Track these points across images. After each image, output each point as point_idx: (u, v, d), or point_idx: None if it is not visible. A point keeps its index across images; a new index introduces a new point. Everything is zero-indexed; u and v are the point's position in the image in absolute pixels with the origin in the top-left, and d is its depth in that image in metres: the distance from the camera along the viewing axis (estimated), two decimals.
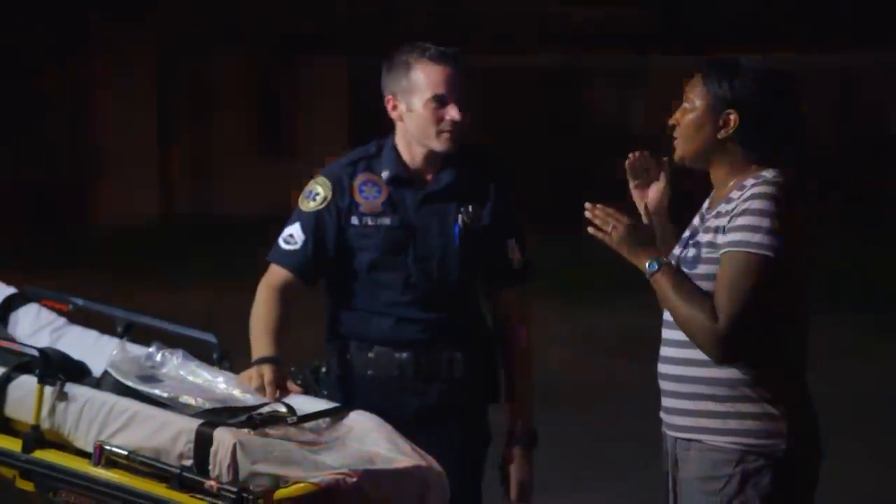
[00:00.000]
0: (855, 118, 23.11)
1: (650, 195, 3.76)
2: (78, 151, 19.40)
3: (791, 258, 3.46)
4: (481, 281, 4.25)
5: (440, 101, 4.11)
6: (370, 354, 4.16)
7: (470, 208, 4.18)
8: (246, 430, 3.60)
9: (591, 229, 3.57)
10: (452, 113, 4.10)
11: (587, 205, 3.63)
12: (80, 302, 4.51)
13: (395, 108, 4.16)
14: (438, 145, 4.14)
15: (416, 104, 4.12)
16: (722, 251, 3.47)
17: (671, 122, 3.64)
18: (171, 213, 19.85)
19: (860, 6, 22.36)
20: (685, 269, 3.55)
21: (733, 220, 3.48)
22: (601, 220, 3.56)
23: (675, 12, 24.61)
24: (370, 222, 4.16)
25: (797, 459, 3.52)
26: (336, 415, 3.82)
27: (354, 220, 4.16)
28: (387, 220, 4.16)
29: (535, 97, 24.36)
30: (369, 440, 3.72)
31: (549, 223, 17.51)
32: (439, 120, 4.11)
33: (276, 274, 4.20)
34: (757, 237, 3.44)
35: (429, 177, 4.20)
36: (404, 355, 4.15)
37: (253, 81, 21.33)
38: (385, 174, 4.18)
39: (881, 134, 22.29)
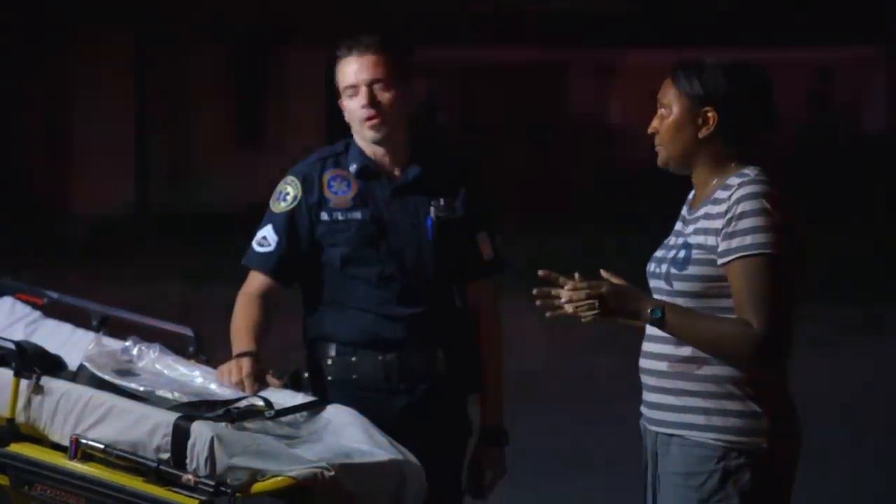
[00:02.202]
0: (830, 114, 23.20)
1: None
2: (55, 143, 19.34)
3: (792, 253, 3.49)
4: (454, 274, 4.24)
5: (353, 92, 4.11)
6: (353, 359, 4.14)
7: (441, 201, 4.18)
8: (223, 424, 3.58)
9: (583, 316, 3.50)
10: (361, 101, 4.09)
11: (550, 294, 3.54)
12: (54, 295, 4.48)
13: (343, 111, 4.19)
14: (366, 135, 4.13)
15: (344, 101, 4.15)
16: (731, 258, 3.48)
17: (650, 130, 3.65)
18: (148, 205, 19.81)
19: (836, 3, 22.42)
20: (675, 271, 3.55)
21: (733, 225, 3.49)
22: (576, 303, 3.49)
23: (657, 7, 24.65)
24: (341, 217, 4.15)
25: (777, 458, 3.53)
26: (313, 409, 3.81)
27: (325, 216, 4.15)
28: (358, 215, 4.15)
29: (514, 90, 24.35)
30: (346, 434, 3.71)
31: (528, 216, 17.54)
32: (355, 111, 4.12)
33: (252, 279, 4.19)
34: (763, 237, 3.46)
35: (396, 171, 4.19)
36: (388, 357, 4.13)
37: (230, 73, 21.29)
38: (353, 168, 4.17)
39: (855, 130, 22.38)
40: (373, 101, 4.08)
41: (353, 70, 4.11)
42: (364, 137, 4.15)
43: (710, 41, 20.15)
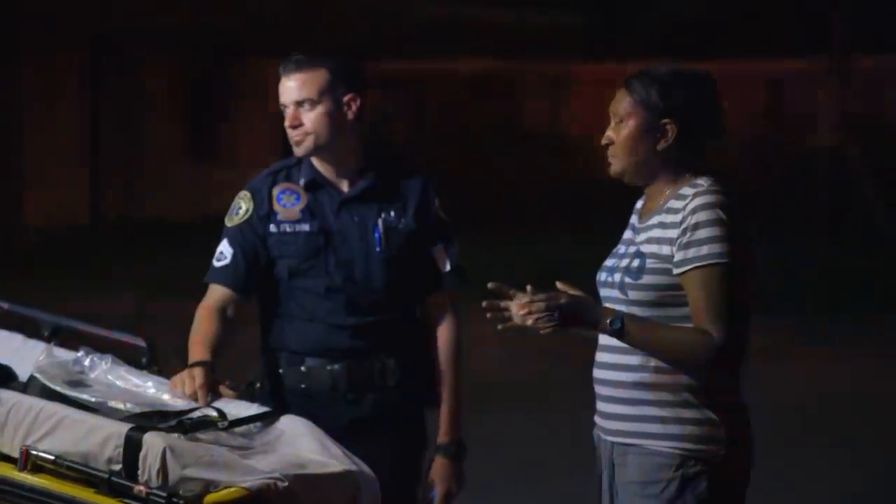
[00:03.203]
0: (779, 127, 23.32)
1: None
2: (7, 154, 19.22)
3: (746, 263, 3.51)
4: (410, 286, 4.24)
5: (283, 111, 4.17)
6: (302, 368, 4.16)
7: (391, 213, 4.19)
8: (176, 435, 3.56)
9: (541, 327, 3.50)
10: (287, 118, 4.16)
11: (500, 307, 3.56)
12: (5, 305, 4.46)
13: None
14: (295, 150, 4.19)
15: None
16: (687, 268, 3.49)
17: (604, 141, 3.64)
18: (102, 216, 19.71)
19: (786, 17, 22.57)
20: (629, 280, 3.56)
21: (688, 235, 3.50)
22: (536, 314, 3.49)
23: (606, 20, 24.74)
24: (288, 229, 4.18)
25: (732, 465, 3.55)
26: (267, 419, 3.80)
27: (272, 228, 4.19)
28: (305, 227, 4.18)
29: (467, 103, 24.39)
30: (300, 445, 3.70)
31: (482, 226, 17.56)
32: (287, 129, 4.16)
33: (211, 291, 4.22)
34: (719, 247, 3.48)
35: (345, 183, 4.20)
36: (336, 366, 4.14)
37: (184, 85, 21.24)
38: (302, 181, 4.20)
39: (805, 143, 22.51)
40: (294, 122, 4.14)
41: (282, 89, 4.17)
42: (296, 153, 4.20)
43: (657, 53, 20.26)
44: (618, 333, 3.50)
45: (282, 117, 4.22)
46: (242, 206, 4.22)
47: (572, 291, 3.57)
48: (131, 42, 19.86)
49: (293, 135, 4.15)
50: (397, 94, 23.41)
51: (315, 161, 4.21)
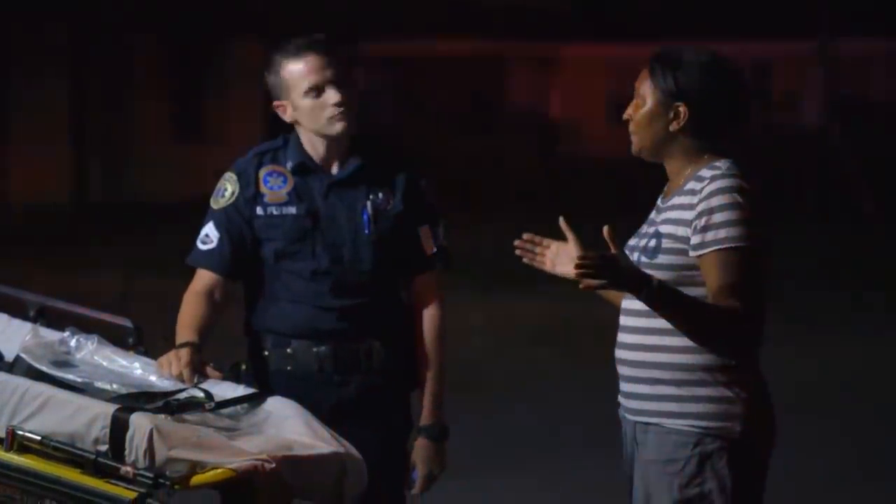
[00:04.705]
0: (766, 108, 23.36)
1: (563, 266, 3.78)
2: None
3: (762, 245, 3.56)
4: (396, 268, 4.24)
5: (317, 91, 4.12)
6: (288, 350, 4.16)
7: (379, 195, 4.19)
8: (163, 416, 3.56)
9: (581, 280, 3.46)
10: (332, 97, 4.11)
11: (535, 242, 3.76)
12: None
13: (285, 111, 4.19)
14: (333, 130, 4.14)
15: (298, 101, 4.14)
16: (706, 250, 3.53)
17: (625, 116, 3.70)
18: (87, 195, 19.68)
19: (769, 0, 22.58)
20: (645, 259, 3.60)
21: (706, 218, 3.53)
22: (586, 268, 3.44)
23: (591, 2, 24.74)
24: (275, 212, 4.17)
25: (751, 442, 3.60)
26: (254, 401, 3.79)
27: (259, 211, 4.17)
28: (292, 209, 4.16)
29: (453, 83, 24.38)
30: (287, 426, 3.70)
31: (467, 209, 17.57)
32: (323, 107, 4.12)
33: (198, 277, 4.21)
34: (737, 231, 3.52)
35: (335, 165, 4.20)
36: (322, 348, 4.14)
37: (170, 64, 21.19)
38: (289, 164, 4.19)
39: (793, 124, 22.54)
40: (341, 100, 4.10)
41: (310, 69, 4.11)
42: (330, 133, 4.14)
43: (646, 35, 20.28)
44: (653, 293, 3.48)
45: (268, 97, 4.20)
46: (228, 188, 4.20)
47: (614, 250, 3.54)
48: (116, 22, 19.81)
49: (335, 113, 4.11)
50: (384, 74, 23.38)
51: (306, 142, 4.20)
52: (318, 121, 4.14)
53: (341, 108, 4.11)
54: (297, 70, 4.13)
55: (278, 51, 4.18)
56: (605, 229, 3.47)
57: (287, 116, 4.19)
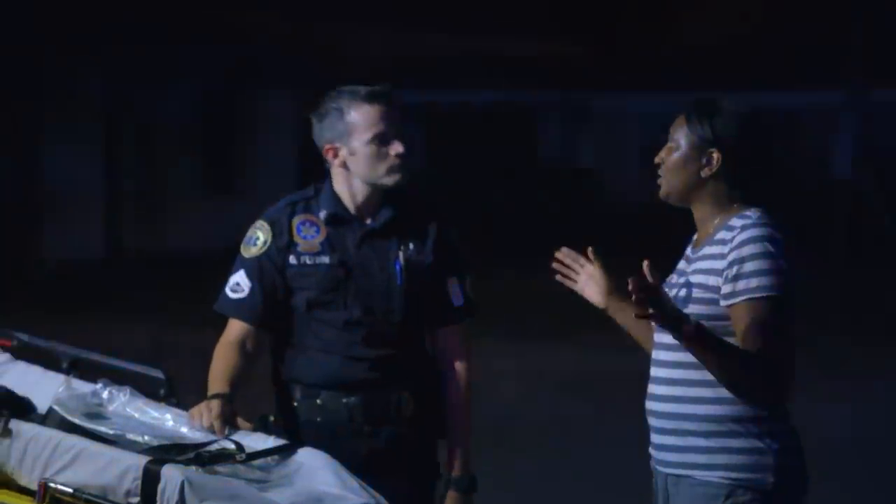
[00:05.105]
0: (796, 158, 23.29)
1: (590, 290, 3.88)
2: (25, 189, 19.28)
3: (793, 295, 3.58)
4: (423, 319, 4.25)
5: (382, 139, 4.14)
6: (318, 401, 4.15)
7: (411, 245, 4.20)
8: (194, 468, 3.57)
9: (637, 309, 3.49)
10: (397, 148, 4.14)
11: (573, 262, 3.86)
12: (25, 338, 4.46)
13: (336, 155, 4.18)
14: (390, 180, 4.17)
15: (358, 147, 4.15)
16: (737, 300, 3.54)
17: (657, 160, 3.74)
18: (119, 248, 19.75)
19: (800, 49, 22.55)
20: None
21: (737, 268, 3.55)
22: (640, 298, 3.46)
23: (610, 50, 24.73)
24: (308, 261, 4.17)
25: (783, 493, 3.60)
26: (285, 452, 3.80)
27: (293, 260, 4.18)
28: (326, 259, 4.17)
29: (483, 133, 24.41)
30: (318, 478, 3.70)
31: (498, 258, 17.56)
32: (385, 156, 4.14)
33: (230, 327, 4.21)
34: (768, 280, 3.54)
35: (368, 215, 4.20)
36: (353, 399, 4.14)
37: (201, 116, 21.29)
38: (322, 214, 4.19)
39: (821, 176, 22.48)
40: (405, 150, 4.16)
41: (379, 118, 4.14)
42: (384, 183, 4.16)
43: (676, 86, 20.29)
44: (693, 332, 3.47)
45: (300, 148, 4.22)
46: (261, 236, 4.21)
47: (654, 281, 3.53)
48: (149, 75, 19.93)
49: (396, 164, 4.15)
50: (415, 123, 23.46)
51: (343, 191, 4.21)
52: (375, 170, 4.15)
53: (403, 161, 4.14)
54: (366, 116, 4.14)
55: (342, 95, 4.18)
56: (646, 263, 3.48)
57: (337, 161, 4.18)
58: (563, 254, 3.91)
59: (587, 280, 3.89)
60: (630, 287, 3.44)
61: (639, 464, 3.79)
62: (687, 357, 3.56)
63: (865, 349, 13.17)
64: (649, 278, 3.47)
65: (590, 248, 3.85)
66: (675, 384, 3.63)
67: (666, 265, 3.77)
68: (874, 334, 14.09)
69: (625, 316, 3.87)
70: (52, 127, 19.43)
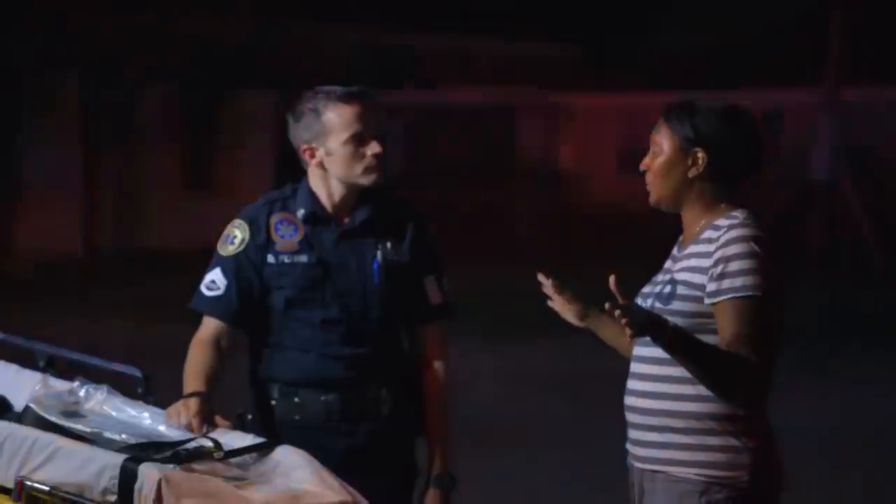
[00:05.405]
0: (777, 158, 23.33)
1: (567, 314, 3.94)
2: (3, 186, 19.23)
3: (776, 295, 3.57)
4: (401, 318, 4.25)
5: (358, 140, 4.14)
6: (296, 399, 4.16)
7: (388, 245, 4.20)
8: (171, 466, 3.56)
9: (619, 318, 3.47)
10: (374, 147, 4.14)
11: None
12: (0, 335, 4.45)
13: (312, 155, 4.18)
14: (367, 180, 4.17)
15: (335, 147, 4.14)
16: (721, 298, 3.55)
17: (642, 167, 3.73)
18: (96, 245, 19.71)
19: (781, 47, 22.60)
20: (659, 305, 3.62)
21: (723, 266, 3.56)
22: (625, 320, 3.45)
23: (602, 52, 24.78)
24: (286, 260, 4.17)
25: (759, 492, 3.61)
26: (263, 450, 3.79)
27: (270, 259, 4.18)
28: (303, 258, 4.17)
29: (463, 133, 24.42)
30: (295, 475, 3.69)
31: (477, 257, 17.58)
32: (362, 157, 4.14)
33: (204, 325, 4.21)
34: (752, 280, 3.54)
35: (345, 215, 4.21)
36: (330, 397, 4.14)
37: (180, 115, 21.26)
38: (300, 213, 4.19)
39: (801, 175, 22.53)
40: (383, 152, 4.15)
41: (356, 117, 4.13)
42: (360, 182, 4.16)
43: (655, 85, 20.33)
44: (671, 337, 3.47)
45: (277, 148, 4.22)
46: (238, 234, 4.21)
47: (622, 299, 3.51)
48: (128, 73, 19.89)
49: (373, 164, 4.14)
50: (392, 122, 23.43)
51: (320, 190, 4.21)
52: (351, 169, 4.15)
53: (379, 160, 4.14)
54: (342, 116, 4.14)
55: (317, 95, 4.17)
56: (612, 280, 3.48)
57: (314, 161, 4.18)
58: (540, 278, 3.93)
59: (562, 306, 3.92)
60: (608, 312, 3.44)
61: (618, 461, 3.80)
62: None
63: (842, 350, 13.22)
64: (617, 296, 3.47)
65: (551, 281, 3.85)
66: (655, 380, 3.64)
67: (643, 267, 3.78)
68: (851, 335, 14.15)
69: (605, 330, 3.91)
70: (30, 124, 19.38)
